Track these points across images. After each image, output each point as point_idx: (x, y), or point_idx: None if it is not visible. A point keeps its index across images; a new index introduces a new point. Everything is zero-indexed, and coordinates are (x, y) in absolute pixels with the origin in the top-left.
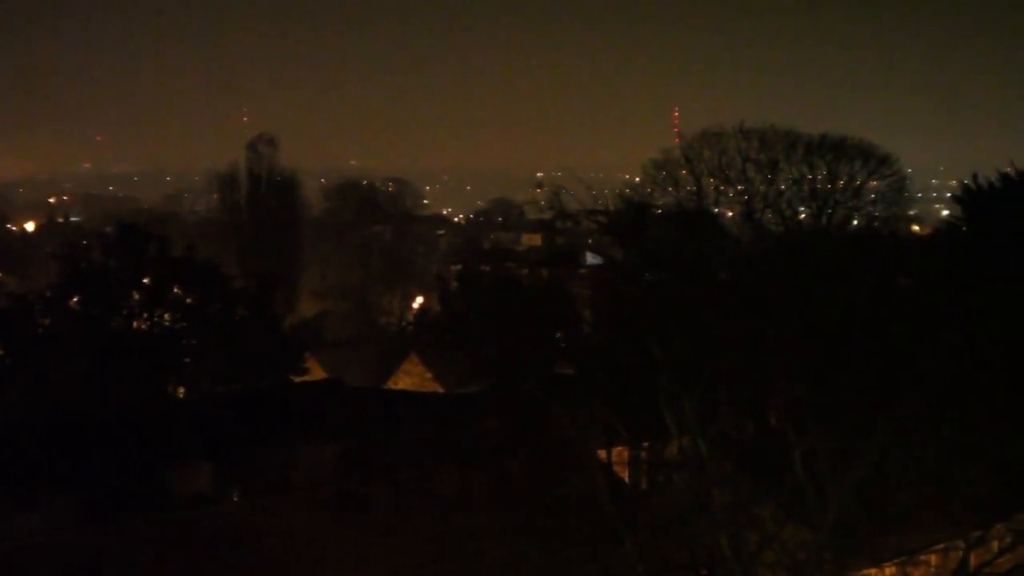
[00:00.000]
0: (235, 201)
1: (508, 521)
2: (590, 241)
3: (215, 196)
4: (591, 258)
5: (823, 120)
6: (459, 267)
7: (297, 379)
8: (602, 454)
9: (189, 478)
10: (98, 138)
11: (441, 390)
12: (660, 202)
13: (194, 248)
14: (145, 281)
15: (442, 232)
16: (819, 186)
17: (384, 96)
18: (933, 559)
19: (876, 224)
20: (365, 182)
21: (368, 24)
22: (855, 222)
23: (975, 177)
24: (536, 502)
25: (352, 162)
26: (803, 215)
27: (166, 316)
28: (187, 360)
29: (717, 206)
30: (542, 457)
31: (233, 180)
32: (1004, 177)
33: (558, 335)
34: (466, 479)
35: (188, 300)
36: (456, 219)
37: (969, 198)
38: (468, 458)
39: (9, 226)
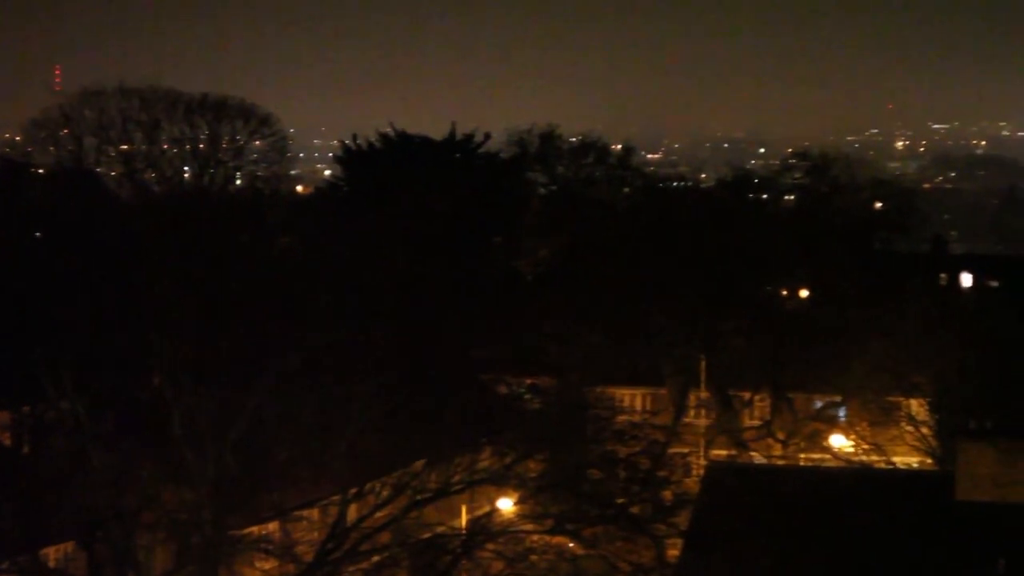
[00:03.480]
0: None
1: None
2: None
3: None
4: None
5: (208, 80)
6: None
7: None
8: None
9: None
10: None
11: None
12: (40, 162)
13: None
14: None
15: None
16: (202, 146)
17: None
18: (314, 514)
19: (259, 184)
20: None
21: None
22: (238, 182)
23: (355, 137)
24: None
25: None
26: (186, 175)
27: None
28: None
29: (99, 166)
30: None
31: None
32: (383, 137)
33: None
34: None
35: None
36: None
37: (349, 158)
38: None
39: None
